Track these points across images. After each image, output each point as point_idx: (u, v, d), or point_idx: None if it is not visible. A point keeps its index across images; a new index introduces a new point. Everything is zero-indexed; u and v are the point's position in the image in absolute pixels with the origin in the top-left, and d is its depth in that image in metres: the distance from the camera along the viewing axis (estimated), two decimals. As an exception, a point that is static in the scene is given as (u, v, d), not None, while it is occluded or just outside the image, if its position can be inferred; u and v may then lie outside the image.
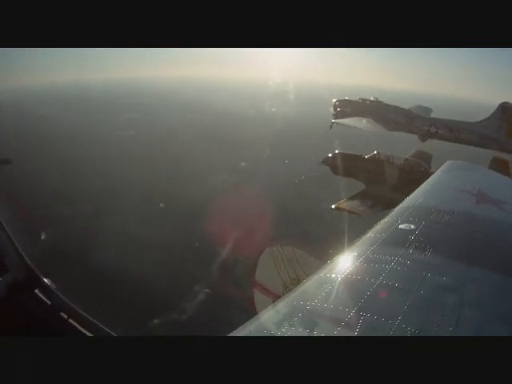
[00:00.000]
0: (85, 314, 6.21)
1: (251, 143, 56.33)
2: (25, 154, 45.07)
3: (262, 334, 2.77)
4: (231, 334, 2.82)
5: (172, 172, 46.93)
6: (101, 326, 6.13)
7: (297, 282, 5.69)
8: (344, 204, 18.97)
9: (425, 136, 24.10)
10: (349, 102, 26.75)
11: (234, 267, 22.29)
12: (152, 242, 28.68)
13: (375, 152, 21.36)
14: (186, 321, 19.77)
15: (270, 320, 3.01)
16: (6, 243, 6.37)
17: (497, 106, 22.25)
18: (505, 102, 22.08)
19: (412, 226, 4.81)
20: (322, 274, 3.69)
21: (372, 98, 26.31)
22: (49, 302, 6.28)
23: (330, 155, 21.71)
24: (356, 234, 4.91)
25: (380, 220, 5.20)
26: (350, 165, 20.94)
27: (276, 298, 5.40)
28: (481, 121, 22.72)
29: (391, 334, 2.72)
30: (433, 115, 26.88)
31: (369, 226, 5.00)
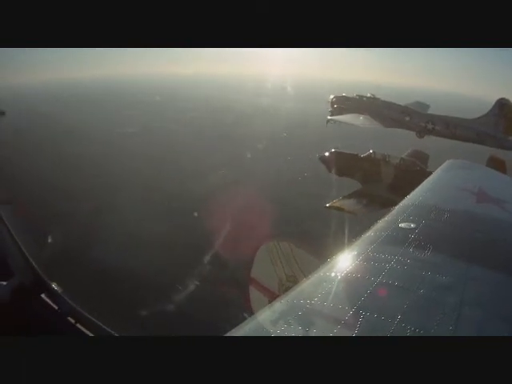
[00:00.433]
0: (92, 319, 6.18)
1: (253, 140, 56.37)
2: (25, 151, 45.14)
3: (261, 333, 2.76)
4: (230, 333, 2.81)
5: (172, 169, 47.07)
6: (107, 329, 6.10)
7: (293, 279, 5.68)
8: (338, 203, 18.94)
9: (422, 132, 24.07)
10: (346, 98, 26.74)
11: (232, 265, 22.28)
12: (153, 240, 28.72)
13: (371, 151, 21.34)
14: (186, 318, 19.78)
15: (269, 318, 3.01)
16: (11, 247, 6.33)
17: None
18: (502, 99, 22.04)
19: (412, 225, 4.79)
20: (321, 273, 3.68)
21: (369, 95, 26.29)
22: (55, 307, 6.25)
23: (325, 154, 21.70)
24: (356, 232, 4.90)
25: (378, 218, 5.18)
26: (345, 164, 20.95)
27: (271, 295, 5.39)
28: (478, 117, 22.70)
29: (391, 332, 2.70)
30: (432, 111, 26.81)
31: (369, 224, 4.98)
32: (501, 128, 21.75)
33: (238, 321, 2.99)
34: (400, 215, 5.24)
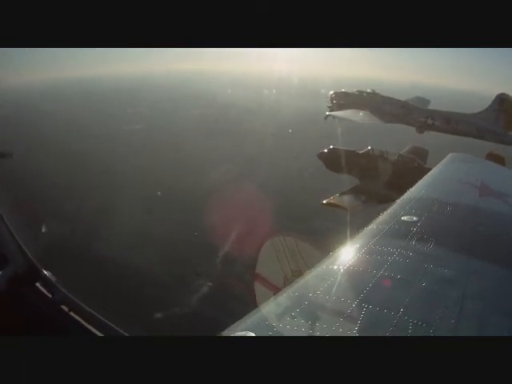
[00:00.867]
0: (85, 307, 6.23)
1: (258, 136, 56.14)
2: (29, 149, 45.21)
3: (263, 329, 2.76)
4: (233, 326, 2.81)
5: (178, 166, 46.95)
6: (102, 319, 6.15)
7: (298, 274, 5.67)
8: (335, 200, 18.69)
9: (422, 128, 24.01)
10: (346, 94, 26.69)
11: (239, 261, 22.29)
12: (158, 236, 28.74)
13: (369, 147, 21.14)
14: (191, 315, 19.82)
15: (272, 311, 3.02)
16: (6, 236, 6.38)
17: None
18: (502, 94, 21.98)
19: (414, 218, 4.80)
20: (324, 266, 3.70)
21: (369, 90, 26.21)
22: (49, 295, 6.30)
23: (324, 150, 21.58)
24: (358, 225, 4.90)
25: (377, 214, 5.18)
26: (343, 160, 20.70)
27: (277, 290, 5.39)
28: (478, 112, 22.65)
29: (393, 325, 2.72)
30: (433, 107, 26.72)
31: (372, 218, 4.98)
32: (501, 123, 21.72)
33: (241, 316, 3.00)
34: (402, 208, 5.25)
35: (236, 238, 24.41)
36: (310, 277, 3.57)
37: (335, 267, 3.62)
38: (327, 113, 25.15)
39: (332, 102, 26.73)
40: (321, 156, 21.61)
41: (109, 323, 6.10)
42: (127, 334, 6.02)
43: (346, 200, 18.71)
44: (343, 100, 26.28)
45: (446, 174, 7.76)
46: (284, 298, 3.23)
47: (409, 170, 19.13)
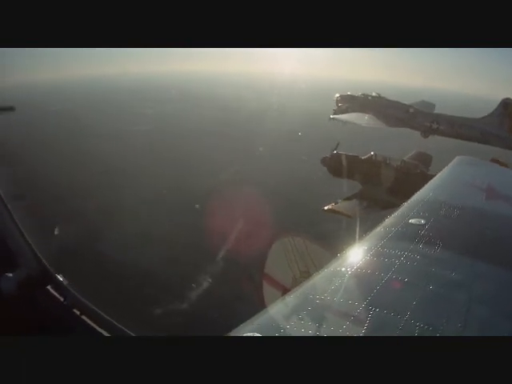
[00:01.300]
0: (98, 311, 6.23)
1: (266, 139, 55.92)
2: (37, 149, 45.40)
3: (271, 328, 2.78)
4: (241, 326, 2.83)
5: (184, 167, 46.97)
6: (114, 322, 6.15)
7: (307, 275, 5.67)
8: (336, 206, 18.48)
9: (426, 132, 23.88)
10: (351, 97, 26.51)
11: (244, 263, 22.28)
12: (161, 238, 28.80)
13: (372, 153, 20.98)
14: (196, 315, 19.85)
15: (279, 313, 3.04)
16: (18, 239, 6.38)
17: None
18: (507, 98, 21.83)
19: (422, 221, 4.79)
20: (331, 268, 3.70)
21: (374, 94, 26.08)
22: (61, 299, 6.30)
23: (327, 155, 21.41)
24: (366, 229, 4.90)
25: (379, 221, 5.17)
26: (346, 166, 20.51)
27: (285, 291, 5.40)
28: (483, 117, 22.51)
29: (400, 328, 2.72)
30: (438, 111, 26.56)
31: (376, 222, 4.99)
32: (505, 128, 21.59)
33: (248, 316, 3.03)
34: (410, 211, 5.24)
35: (240, 239, 24.42)
36: (317, 279, 3.58)
37: (343, 269, 3.62)
38: (331, 116, 25.07)
39: (337, 105, 26.63)
40: (324, 161, 21.47)
41: (119, 325, 6.10)
42: (134, 335, 6.03)
43: (348, 206, 18.47)
44: (348, 103, 26.15)
45: (454, 176, 7.75)
46: (291, 299, 3.24)
47: (411, 176, 18.99)
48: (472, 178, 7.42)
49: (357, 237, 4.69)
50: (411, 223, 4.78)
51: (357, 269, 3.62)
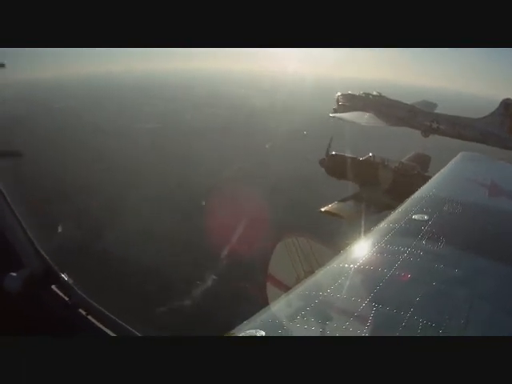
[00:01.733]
0: (104, 311, 6.20)
1: (271, 138, 55.76)
2: (41, 146, 45.47)
3: (274, 326, 2.77)
4: (243, 325, 2.83)
5: (189, 165, 46.85)
6: (119, 322, 6.13)
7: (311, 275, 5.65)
8: (332, 208, 18.26)
9: (427, 131, 23.86)
10: (352, 96, 26.55)
11: (247, 262, 22.27)
12: (164, 235, 28.85)
13: (370, 154, 20.80)
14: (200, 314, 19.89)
15: (282, 310, 3.03)
16: (22, 237, 6.36)
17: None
18: (507, 99, 21.75)
19: (425, 217, 4.79)
20: (334, 264, 3.71)
21: (375, 93, 26.09)
22: (66, 298, 6.28)
23: (324, 157, 21.23)
24: (366, 228, 4.89)
25: (376, 222, 5.16)
26: (343, 167, 20.37)
27: (289, 291, 5.38)
28: (484, 117, 22.46)
29: (403, 325, 2.72)
30: (441, 111, 26.50)
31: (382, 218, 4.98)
32: (505, 128, 21.56)
33: (250, 315, 3.02)
34: (413, 207, 5.24)
35: (243, 237, 24.43)
36: (320, 275, 3.58)
37: (346, 266, 3.62)
38: (331, 114, 25.05)
39: (338, 104, 26.65)
40: (322, 162, 21.37)
41: (125, 325, 6.07)
42: (139, 334, 6.02)
43: (344, 208, 18.26)
44: (349, 102, 26.17)
45: (457, 172, 7.73)
46: (294, 296, 3.25)
47: (409, 178, 18.85)
48: (475, 174, 7.40)
49: (359, 235, 4.68)
50: (414, 219, 4.77)
51: (360, 265, 3.62)
